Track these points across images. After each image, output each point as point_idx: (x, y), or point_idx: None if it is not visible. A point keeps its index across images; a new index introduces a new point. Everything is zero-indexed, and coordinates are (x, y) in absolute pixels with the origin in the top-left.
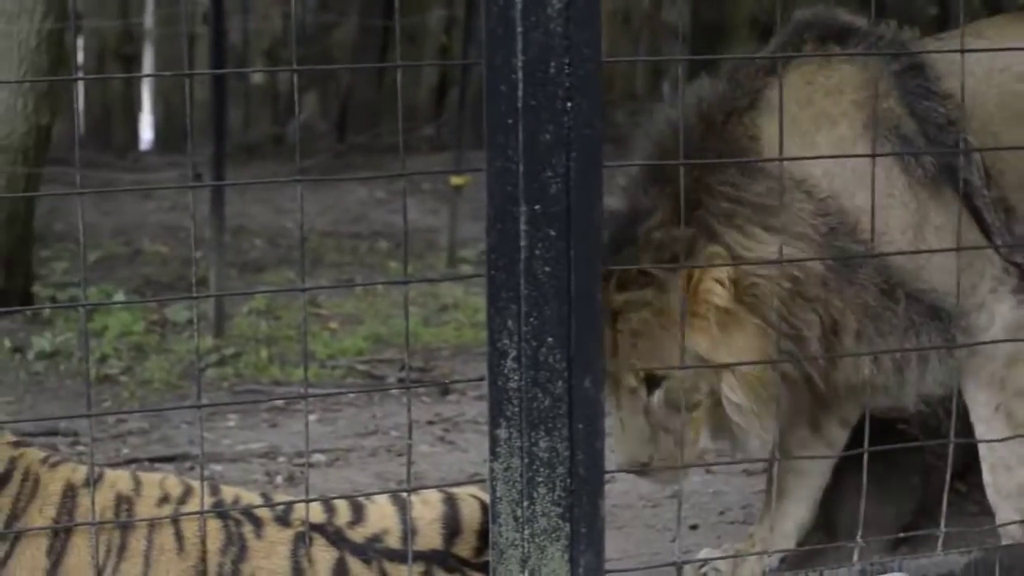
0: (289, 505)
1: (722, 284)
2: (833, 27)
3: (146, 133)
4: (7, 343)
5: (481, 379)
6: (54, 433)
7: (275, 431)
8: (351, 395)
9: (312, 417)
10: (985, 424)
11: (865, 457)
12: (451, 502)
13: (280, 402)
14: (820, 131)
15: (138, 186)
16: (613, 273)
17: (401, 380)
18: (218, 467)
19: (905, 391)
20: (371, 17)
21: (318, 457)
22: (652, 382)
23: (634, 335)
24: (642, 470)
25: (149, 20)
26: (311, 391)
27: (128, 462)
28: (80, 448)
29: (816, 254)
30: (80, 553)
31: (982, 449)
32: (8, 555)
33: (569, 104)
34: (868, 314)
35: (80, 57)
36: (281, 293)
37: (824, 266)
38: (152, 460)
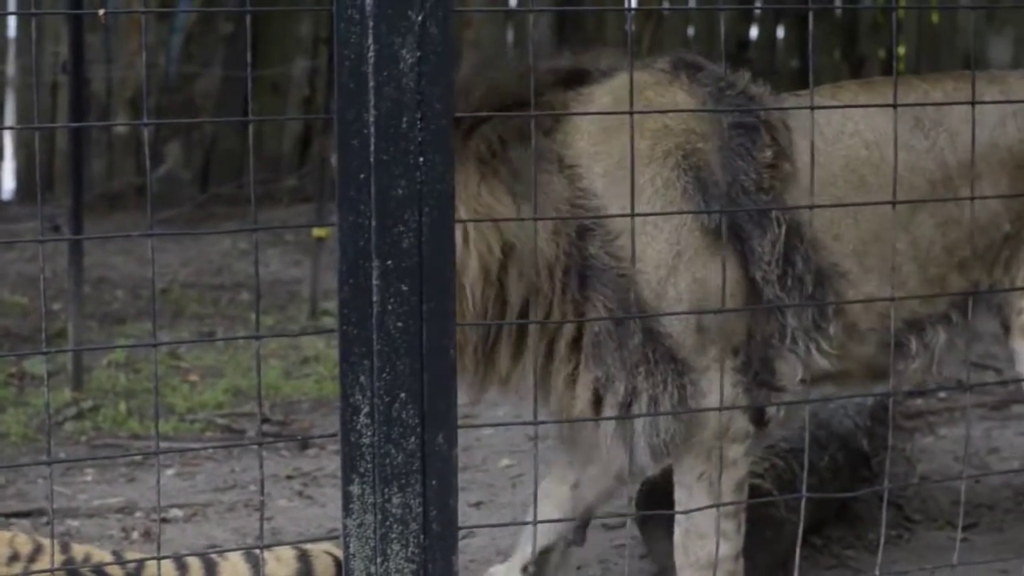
0: (141, 563)
1: None
2: (692, 61)
3: (7, 182)
4: None
5: (336, 435)
6: None
7: (132, 486)
8: (210, 449)
9: (170, 471)
10: (687, 490)
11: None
12: (304, 559)
13: (138, 456)
14: (623, 135)
15: None
16: None
17: (263, 433)
18: (74, 522)
19: (634, 436)
20: (234, 67)
21: (175, 512)
22: None
23: None
24: None
25: (11, 68)
26: (166, 446)
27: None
28: None
29: (550, 237)
30: None
31: (678, 514)
32: None
33: (421, 159)
34: (590, 334)
35: None
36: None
37: (553, 255)
38: (7, 515)
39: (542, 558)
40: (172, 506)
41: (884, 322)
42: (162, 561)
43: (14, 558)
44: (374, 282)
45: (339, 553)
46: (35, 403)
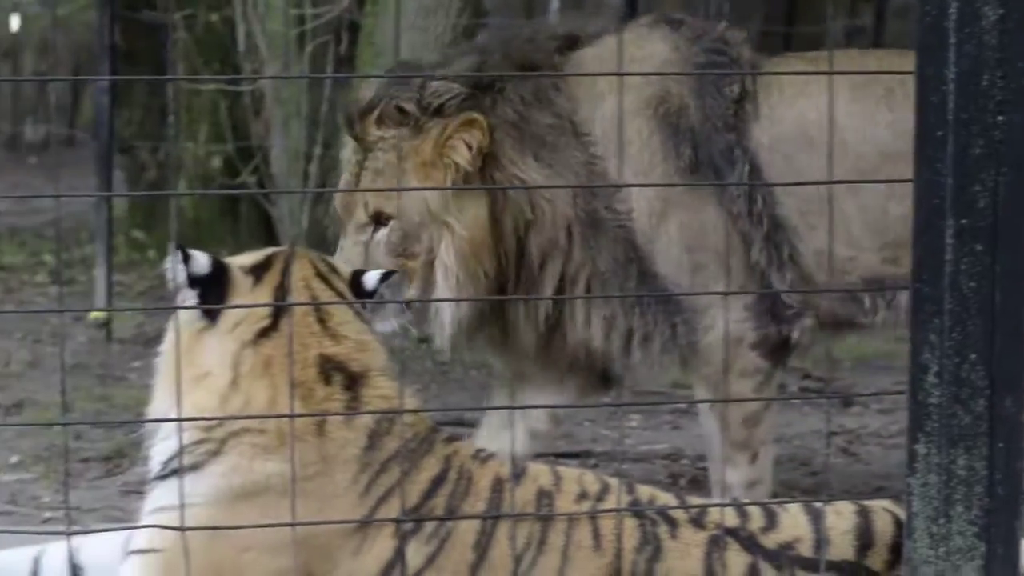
0: (703, 508)
1: (469, 147)
2: (673, 18)
3: None
4: (414, 333)
5: (895, 393)
6: (459, 423)
7: (677, 433)
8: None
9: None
10: (704, 417)
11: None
12: (864, 514)
13: (682, 404)
14: (612, 95)
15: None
16: (375, 108)
17: (803, 389)
18: (621, 466)
19: (635, 367)
20: (772, 23)
21: None
22: (379, 221)
23: (376, 173)
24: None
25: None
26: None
27: (533, 457)
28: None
29: (571, 199)
30: (503, 547)
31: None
32: (437, 551)
33: (1000, 118)
34: (598, 278)
35: None
36: None
37: (573, 214)
38: (557, 455)
39: None
40: None
41: (840, 277)
42: (724, 508)
43: (583, 496)
44: (948, 241)
45: (898, 511)
46: None
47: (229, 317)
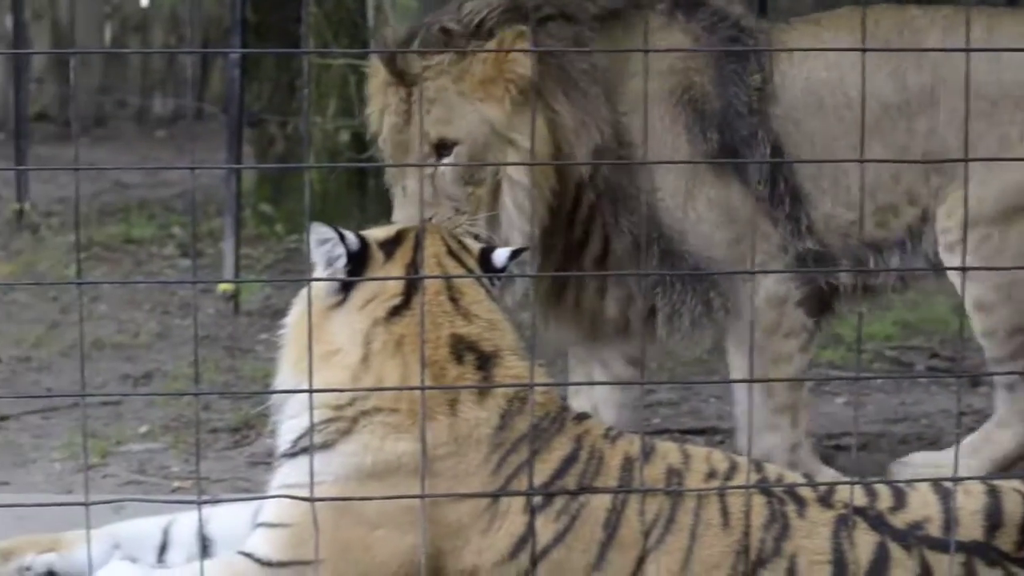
0: (831, 486)
1: (528, 57)
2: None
3: None
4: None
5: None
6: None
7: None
8: (879, 380)
9: (840, 400)
10: (743, 389)
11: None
12: (994, 494)
13: (810, 383)
14: (635, 79)
15: None
16: (415, 38)
17: (931, 369)
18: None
19: (659, 339)
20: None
21: (848, 440)
22: (442, 148)
23: (430, 102)
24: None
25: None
26: (836, 374)
27: (658, 432)
28: None
29: (589, 156)
30: (632, 525)
31: (736, 413)
32: (567, 528)
33: None
34: (614, 256)
35: None
36: None
37: (586, 181)
38: (682, 432)
39: None
40: (844, 434)
41: (847, 242)
42: (853, 487)
43: (711, 475)
44: None
45: None
46: None
47: (361, 293)
